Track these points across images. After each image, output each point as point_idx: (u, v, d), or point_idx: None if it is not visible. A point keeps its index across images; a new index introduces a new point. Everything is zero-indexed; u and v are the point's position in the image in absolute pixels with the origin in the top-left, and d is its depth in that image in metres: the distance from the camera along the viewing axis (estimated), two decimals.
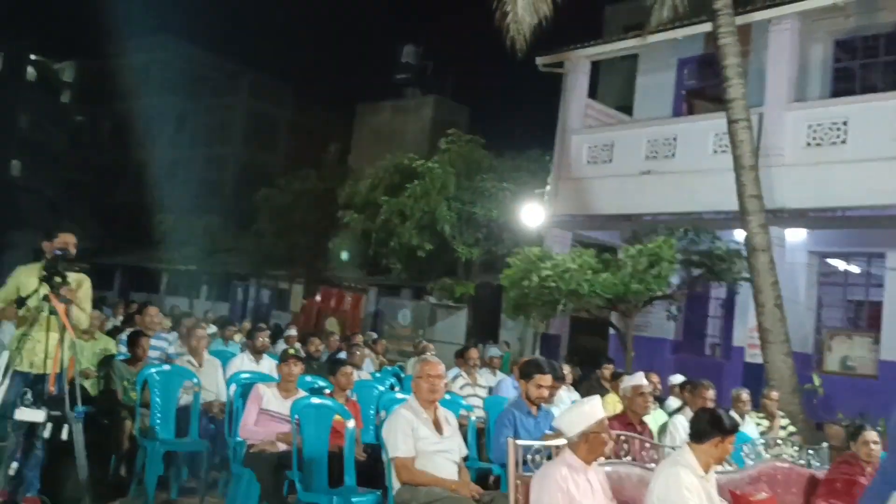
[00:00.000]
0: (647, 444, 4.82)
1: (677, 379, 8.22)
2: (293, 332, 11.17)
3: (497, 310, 12.85)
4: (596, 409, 3.82)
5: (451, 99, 32.17)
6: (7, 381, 4.59)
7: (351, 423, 5.26)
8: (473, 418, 6.61)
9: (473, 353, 8.31)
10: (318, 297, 21.45)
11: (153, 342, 7.30)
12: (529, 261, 10.80)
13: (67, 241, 4.74)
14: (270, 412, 5.45)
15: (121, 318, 11.24)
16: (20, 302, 4.63)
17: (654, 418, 6.37)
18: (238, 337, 10.51)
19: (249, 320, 16.46)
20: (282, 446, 5.26)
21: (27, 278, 4.77)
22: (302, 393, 5.67)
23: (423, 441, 4.40)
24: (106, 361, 6.70)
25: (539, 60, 13.76)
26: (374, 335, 12.63)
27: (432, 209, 17.16)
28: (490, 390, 7.93)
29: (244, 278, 29.33)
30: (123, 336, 7.64)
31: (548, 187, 13.93)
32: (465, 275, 18.91)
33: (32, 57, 45.78)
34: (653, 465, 4.36)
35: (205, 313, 16.52)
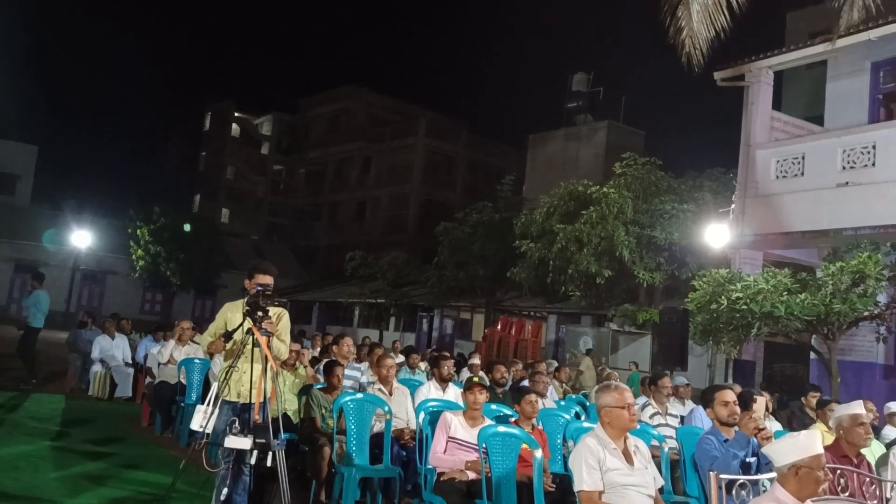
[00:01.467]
0: (867, 479, 4.38)
1: (895, 406, 7.52)
2: (477, 360, 11.31)
3: (684, 336, 12.30)
4: (814, 442, 3.41)
5: (626, 123, 31.55)
6: (217, 411, 4.90)
7: (539, 453, 5.20)
8: (667, 449, 6.33)
9: (666, 381, 7.87)
10: (498, 326, 21.67)
11: (347, 372, 7.66)
12: (717, 283, 10.35)
13: (262, 280, 5.02)
14: (458, 440, 5.50)
15: (318, 349, 11.91)
16: (228, 336, 4.96)
17: (871, 450, 5.82)
18: (423, 365, 10.76)
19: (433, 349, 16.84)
20: (471, 474, 5.28)
21: (233, 314, 5.11)
22: (488, 421, 5.67)
23: (614, 473, 4.07)
24: (304, 390, 7.12)
25: (717, 75, 13.25)
26: (555, 363, 12.51)
27: (609, 235, 16.83)
28: (682, 420, 7.59)
29: (428, 309, 30.28)
30: (320, 366, 8.10)
31: (733, 206, 13.27)
32: (647, 300, 18.35)
33: (236, 114, 50.49)
34: (874, 502, 3.95)
35: (392, 343, 17.14)
